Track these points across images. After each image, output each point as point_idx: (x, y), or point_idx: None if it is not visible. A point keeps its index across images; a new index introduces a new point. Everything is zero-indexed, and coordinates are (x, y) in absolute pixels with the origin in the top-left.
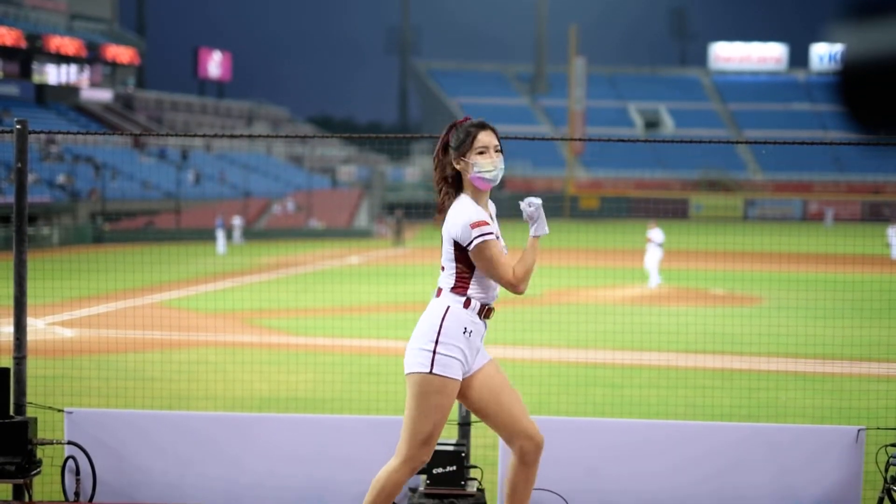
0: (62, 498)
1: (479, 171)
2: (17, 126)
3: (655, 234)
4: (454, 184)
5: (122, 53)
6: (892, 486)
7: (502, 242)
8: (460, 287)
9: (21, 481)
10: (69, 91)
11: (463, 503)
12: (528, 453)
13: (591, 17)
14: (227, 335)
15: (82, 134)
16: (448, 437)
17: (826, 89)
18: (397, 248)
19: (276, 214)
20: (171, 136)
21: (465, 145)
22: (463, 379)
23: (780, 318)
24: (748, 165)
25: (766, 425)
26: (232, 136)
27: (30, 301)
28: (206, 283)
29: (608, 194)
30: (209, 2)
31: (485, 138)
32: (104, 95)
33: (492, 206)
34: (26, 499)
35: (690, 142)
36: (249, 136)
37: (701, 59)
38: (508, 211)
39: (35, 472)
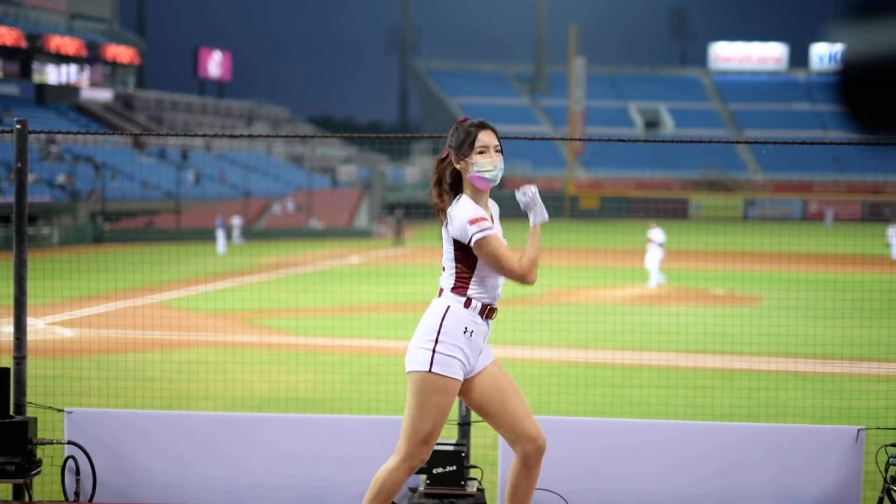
0: (62, 498)
1: (479, 171)
2: (17, 126)
3: (656, 234)
4: (454, 185)
5: (122, 53)
6: (892, 486)
7: (504, 242)
8: (460, 287)
9: (21, 481)
10: (69, 91)
11: (463, 503)
12: (529, 455)
13: (591, 17)
14: (227, 335)
15: (82, 134)
16: (448, 437)
17: (826, 89)
18: (397, 248)
19: (276, 214)
20: (171, 135)
21: (466, 145)
22: (466, 379)
23: (780, 318)
24: (748, 165)
25: (766, 425)
26: (232, 136)
27: (30, 301)
28: (206, 283)
29: (608, 194)
30: (209, 2)
31: (485, 138)
32: (104, 95)
33: (494, 207)
34: (26, 499)
35: (690, 142)
36: (249, 136)
37: (701, 59)
38: (510, 211)
39: (35, 472)
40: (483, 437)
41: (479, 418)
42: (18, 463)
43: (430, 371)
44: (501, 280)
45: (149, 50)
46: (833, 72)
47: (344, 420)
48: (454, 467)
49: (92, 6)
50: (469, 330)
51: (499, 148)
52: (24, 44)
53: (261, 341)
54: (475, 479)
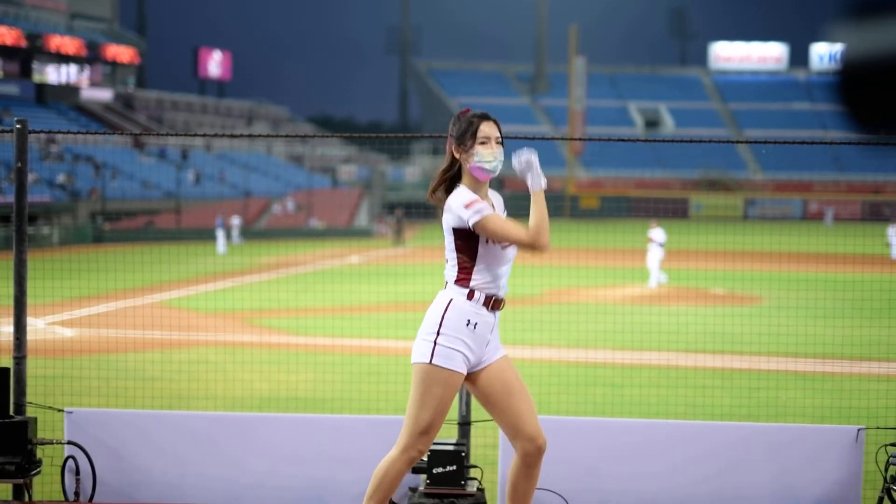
0: (62, 498)
1: (480, 161)
2: (17, 125)
3: (657, 233)
4: (453, 176)
5: (122, 53)
6: (892, 485)
7: (505, 218)
8: (463, 279)
9: (21, 481)
10: (69, 91)
11: (463, 503)
12: (529, 454)
13: (591, 17)
14: (227, 335)
15: (82, 133)
16: (448, 436)
17: (826, 89)
18: (397, 247)
19: (277, 214)
20: (171, 135)
21: (468, 135)
22: (473, 371)
23: (779, 318)
24: (748, 165)
25: (766, 425)
26: (232, 136)
27: (30, 301)
28: (206, 282)
29: (608, 194)
30: (209, 2)
31: (487, 129)
32: (104, 95)
33: (497, 199)
34: (26, 499)
35: (690, 141)
36: (249, 136)
37: (701, 58)
38: (513, 211)
39: (35, 471)
40: (483, 436)
41: (479, 418)
42: (18, 463)
43: (431, 363)
44: (505, 270)
45: (149, 50)
46: (833, 71)
47: (344, 420)
48: (454, 467)
49: (92, 6)
50: (472, 322)
51: (500, 140)
52: (24, 43)
53: (261, 341)
54: (475, 478)
